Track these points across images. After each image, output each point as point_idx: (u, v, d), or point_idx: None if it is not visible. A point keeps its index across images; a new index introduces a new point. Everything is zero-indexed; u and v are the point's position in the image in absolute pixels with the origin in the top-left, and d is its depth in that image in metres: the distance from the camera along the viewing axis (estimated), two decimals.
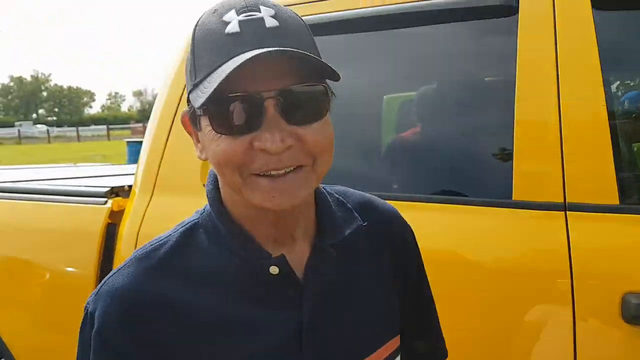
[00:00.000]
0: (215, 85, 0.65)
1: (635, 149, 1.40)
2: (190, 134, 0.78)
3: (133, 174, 1.82)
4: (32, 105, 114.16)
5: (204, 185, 1.59)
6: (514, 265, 1.27)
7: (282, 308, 0.76)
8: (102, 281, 0.76)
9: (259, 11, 0.69)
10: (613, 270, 1.19)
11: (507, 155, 1.38)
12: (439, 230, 1.35)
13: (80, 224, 1.69)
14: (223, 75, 0.64)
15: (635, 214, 1.24)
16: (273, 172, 0.69)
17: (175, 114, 1.69)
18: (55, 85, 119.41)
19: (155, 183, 1.66)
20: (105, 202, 1.69)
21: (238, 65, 0.64)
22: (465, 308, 1.29)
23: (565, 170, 1.28)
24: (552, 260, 1.23)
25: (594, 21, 1.35)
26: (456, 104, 1.59)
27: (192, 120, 0.75)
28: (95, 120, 78.78)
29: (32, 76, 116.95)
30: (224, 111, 0.67)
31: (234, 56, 0.66)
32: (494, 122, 1.49)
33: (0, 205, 1.84)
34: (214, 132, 0.69)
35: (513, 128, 1.35)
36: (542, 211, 1.29)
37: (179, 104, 1.69)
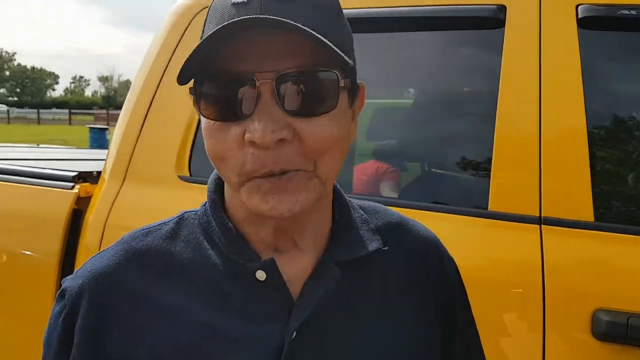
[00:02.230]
0: (190, 55, 0.56)
1: (612, 166, 1.42)
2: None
3: (98, 160, 1.76)
4: None
5: (178, 176, 1.58)
6: (486, 276, 1.27)
7: (265, 321, 0.66)
8: (86, 262, 0.71)
9: None
10: (585, 286, 1.21)
11: (485, 166, 1.39)
12: None
13: (45, 208, 1.62)
14: (201, 44, 0.56)
15: (609, 231, 1.25)
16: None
17: (152, 98, 1.64)
18: (19, 65, 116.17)
19: (127, 171, 1.61)
20: (72, 187, 1.63)
21: (213, 33, 0.55)
22: None
23: (542, 184, 1.29)
24: (524, 272, 1.24)
25: (578, 39, 1.37)
26: (438, 112, 1.59)
27: (195, 106, 0.65)
28: (57, 104, 76.94)
29: None
30: (211, 92, 0.59)
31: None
32: (474, 132, 1.50)
33: None
34: (207, 119, 0.60)
35: (493, 139, 1.36)
36: (517, 223, 1.30)
37: (157, 87, 1.65)
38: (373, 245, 0.72)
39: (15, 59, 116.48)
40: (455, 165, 1.50)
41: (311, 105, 0.59)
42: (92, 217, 1.55)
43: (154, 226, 0.72)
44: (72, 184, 1.64)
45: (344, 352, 0.68)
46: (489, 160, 1.36)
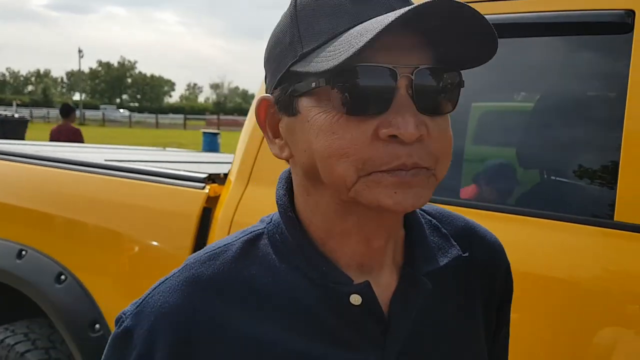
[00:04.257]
0: (358, 46, 0.52)
1: None
2: (263, 126, 0.66)
3: (218, 163, 1.89)
4: (116, 90, 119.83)
5: None
6: (608, 287, 1.24)
7: (360, 347, 0.63)
8: (148, 292, 0.64)
9: None
10: None
11: (611, 175, 1.35)
12: (526, 244, 1.34)
13: (180, 206, 1.78)
14: (368, 36, 0.52)
15: None
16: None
17: None
18: (140, 73, 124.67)
19: (250, 174, 1.73)
20: (204, 188, 1.77)
21: (392, 22, 0.52)
22: (554, 326, 1.27)
23: None
24: None
25: None
26: (560, 117, 1.56)
27: (281, 106, 0.63)
28: (174, 109, 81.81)
29: (119, 62, 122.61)
30: (352, 85, 0.56)
31: (364, 20, 0.57)
32: (598, 139, 1.46)
33: (109, 183, 1.96)
34: (331, 114, 0.57)
35: (620, 146, 1.32)
36: None
37: None
38: (452, 252, 0.70)
39: (136, 67, 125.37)
40: (577, 172, 1.47)
41: (441, 104, 0.59)
42: (221, 215, 1.68)
43: (219, 247, 0.66)
44: (203, 184, 1.78)
45: None
46: (615, 168, 1.32)
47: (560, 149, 1.51)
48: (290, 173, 0.70)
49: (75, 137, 7.17)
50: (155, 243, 1.81)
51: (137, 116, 58.38)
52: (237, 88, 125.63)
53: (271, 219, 0.68)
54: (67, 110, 7.75)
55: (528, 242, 1.33)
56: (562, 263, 1.29)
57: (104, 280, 1.91)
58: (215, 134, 15.41)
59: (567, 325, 1.25)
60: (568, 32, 1.48)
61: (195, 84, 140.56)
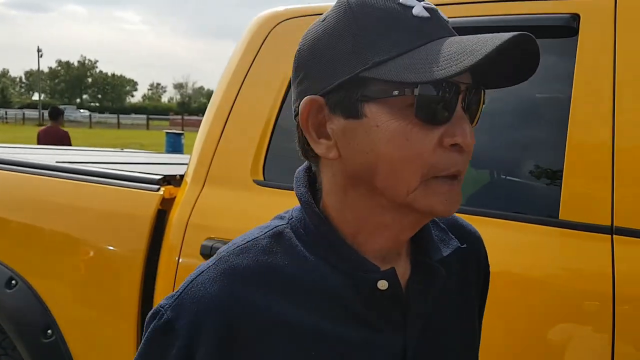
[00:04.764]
0: (468, 64, 0.58)
1: None
2: (306, 126, 0.68)
3: (177, 164, 1.87)
4: (77, 90, 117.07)
5: (253, 180, 1.66)
6: (554, 284, 1.28)
7: (383, 330, 0.68)
8: (184, 285, 0.66)
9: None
10: None
11: (556, 174, 1.39)
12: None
13: (133, 208, 1.76)
14: (477, 56, 0.58)
15: None
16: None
17: (231, 108, 1.74)
18: (101, 72, 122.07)
19: (207, 175, 1.72)
20: (158, 189, 1.75)
21: (497, 47, 0.58)
22: (501, 323, 1.30)
23: (615, 194, 1.28)
24: (594, 282, 1.23)
25: None
26: (507, 119, 1.60)
27: (339, 108, 0.65)
28: (136, 109, 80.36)
29: (79, 62, 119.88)
30: (431, 96, 0.61)
31: (434, 39, 0.63)
32: (544, 140, 1.50)
33: (60, 185, 1.92)
34: (405, 121, 0.62)
35: (564, 147, 1.36)
36: (588, 232, 1.29)
37: (235, 99, 1.74)
38: (452, 243, 0.76)
39: (97, 67, 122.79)
40: (525, 172, 1.50)
41: (474, 117, 0.66)
42: (176, 217, 1.66)
43: (248, 241, 0.69)
44: (157, 186, 1.76)
45: (453, 351, 0.75)
46: (560, 168, 1.36)
47: (508, 150, 1.55)
48: (306, 171, 0.74)
49: (63, 139, 7.09)
50: (108, 246, 1.79)
51: (98, 116, 57.19)
52: (201, 88, 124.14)
53: (291, 216, 0.71)
54: (56, 113, 7.85)
55: None
56: (506, 259, 1.32)
57: (57, 285, 1.87)
58: (179, 135, 15.18)
59: (514, 322, 1.28)
60: None
61: (158, 84, 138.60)
